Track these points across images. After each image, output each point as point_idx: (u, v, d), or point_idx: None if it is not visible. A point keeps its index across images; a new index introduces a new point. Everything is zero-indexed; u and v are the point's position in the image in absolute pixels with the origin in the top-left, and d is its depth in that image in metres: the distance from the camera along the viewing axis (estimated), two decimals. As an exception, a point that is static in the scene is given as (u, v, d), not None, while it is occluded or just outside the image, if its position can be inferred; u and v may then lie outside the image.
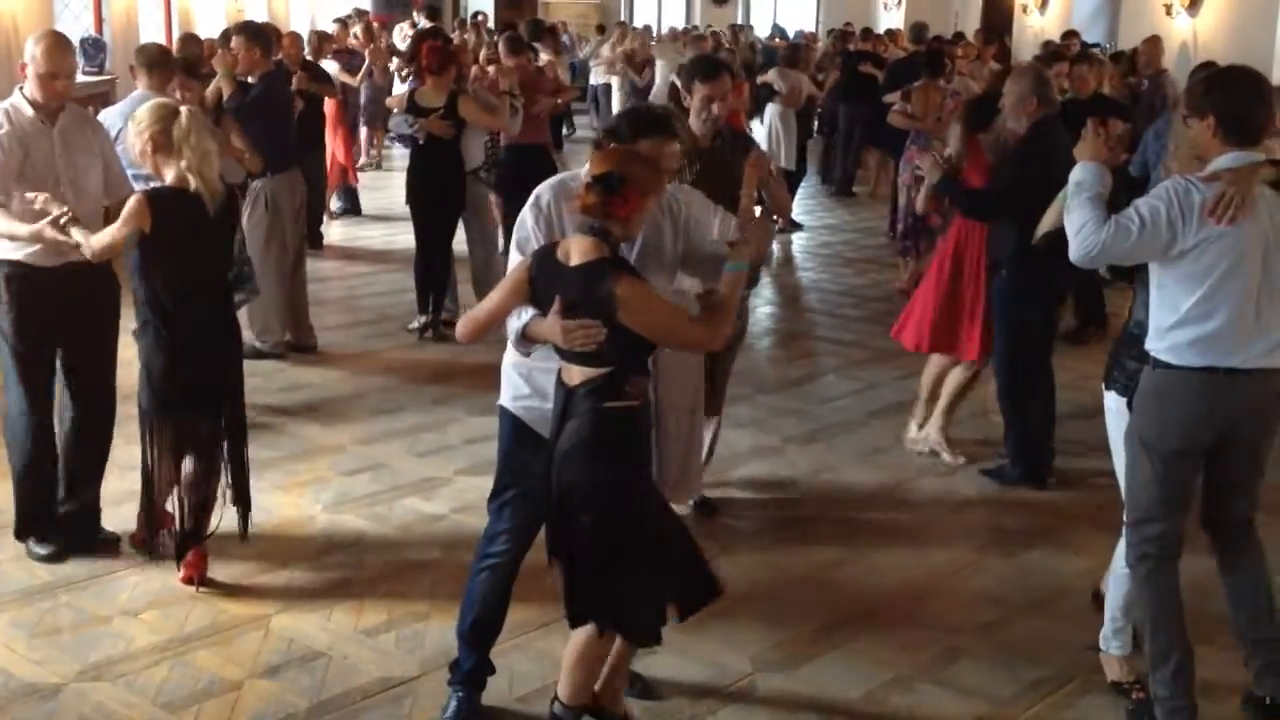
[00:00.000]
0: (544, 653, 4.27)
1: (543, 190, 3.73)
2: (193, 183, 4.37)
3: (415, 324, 8.21)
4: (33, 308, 4.75)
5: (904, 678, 4.18)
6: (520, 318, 3.51)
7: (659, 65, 15.69)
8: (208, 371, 4.57)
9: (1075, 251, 3.73)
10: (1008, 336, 5.75)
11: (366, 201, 12.54)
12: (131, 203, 4.36)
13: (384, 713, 3.92)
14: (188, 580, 4.68)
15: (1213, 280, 3.59)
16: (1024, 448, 5.86)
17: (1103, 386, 4.16)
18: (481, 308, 3.61)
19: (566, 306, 3.33)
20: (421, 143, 7.97)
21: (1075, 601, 4.70)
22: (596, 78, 17.17)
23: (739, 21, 24.21)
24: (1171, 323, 3.66)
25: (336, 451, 6.17)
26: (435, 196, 8.07)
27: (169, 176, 4.42)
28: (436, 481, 5.80)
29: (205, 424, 4.60)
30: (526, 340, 3.53)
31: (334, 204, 12.21)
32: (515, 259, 3.62)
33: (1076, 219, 3.72)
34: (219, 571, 4.82)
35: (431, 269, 8.22)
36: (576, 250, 3.36)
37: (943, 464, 6.12)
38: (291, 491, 5.67)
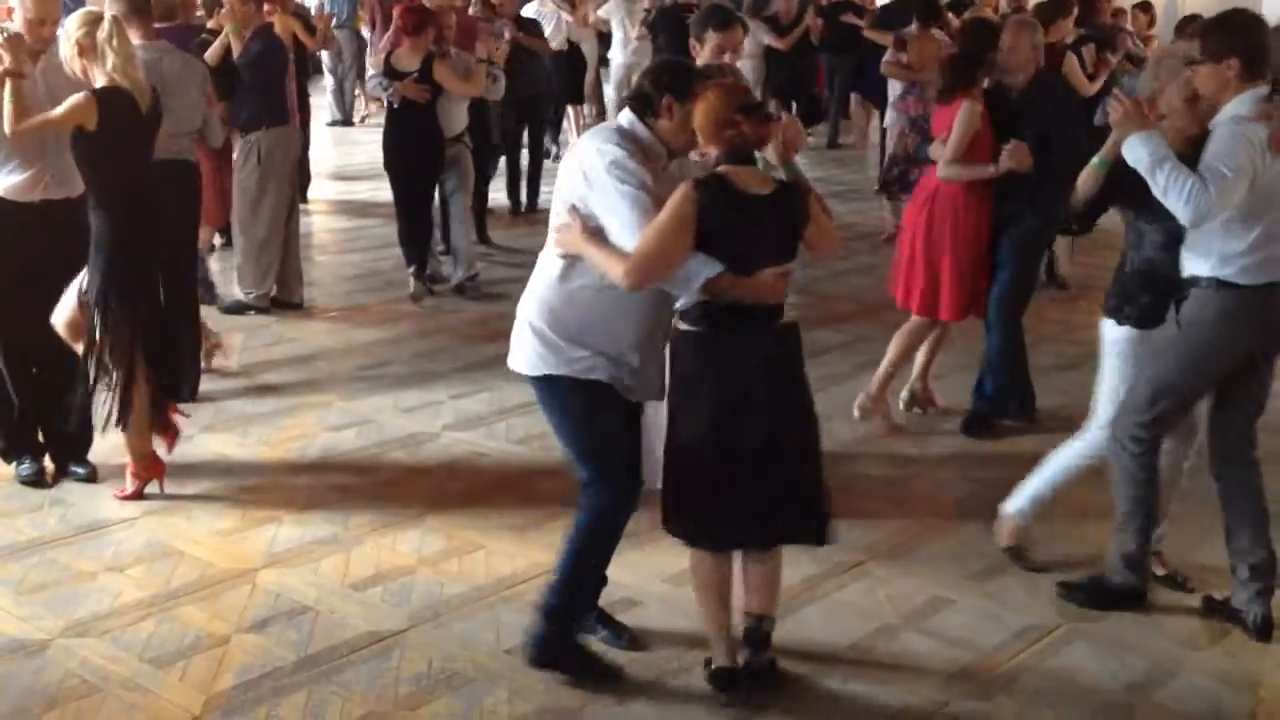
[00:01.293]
0: (529, 606, 4.25)
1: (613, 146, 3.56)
2: (121, 82, 4.71)
3: (412, 290, 8.00)
4: (5, 242, 4.94)
5: (890, 627, 4.19)
6: (707, 267, 3.45)
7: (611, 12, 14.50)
8: (154, 247, 4.96)
9: (1190, 216, 3.87)
10: (1026, 286, 5.91)
11: (352, 156, 12.42)
12: (79, 97, 4.67)
13: (371, 666, 3.92)
14: (170, 444, 5.10)
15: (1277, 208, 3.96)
16: (1014, 388, 5.97)
17: (1107, 321, 4.31)
18: (648, 249, 3.42)
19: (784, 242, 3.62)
20: (396, 107, 7.76)
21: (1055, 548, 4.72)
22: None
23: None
24: (1241, 249, 3.96)
25: (323, 408, 6.15)
26: (411, 163, 7.84)
27: (98, 79, 4.73)
28: (422, 437, 5.79)
29: (151, 300, 4.97)
30: (707, 292, 3.50)
31: None
32: (639, 198, 3.47)
33: (1177, 188, 3.86)
34: (204, 526, 4.82)
35: (415, 234, 8.03)
36: (755, 180, 3.55)
37: (927, 419, 6.12)
38: (277, 447, 5.65)
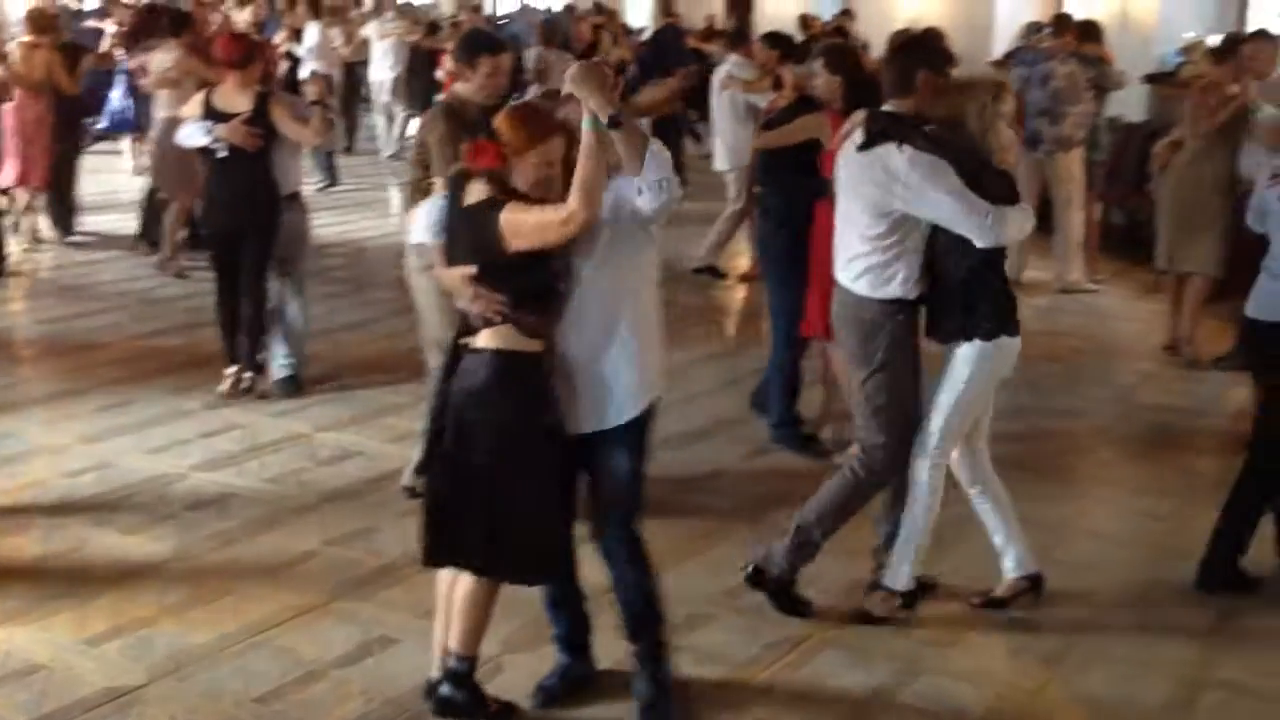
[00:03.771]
0: (285, 650, 4.13)
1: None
2: None
3: (224, 384, 6.57)
4: None
5: (651, 647, 4.21)
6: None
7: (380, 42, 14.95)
8: None
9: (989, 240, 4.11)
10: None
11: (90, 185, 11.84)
12: None
13: (109, 724, 3.72)
14: None
15: None
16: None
17: (956, 342, 4.24)
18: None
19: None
20: (223, 155, 6.37)
21: (818, 560, 4.83)
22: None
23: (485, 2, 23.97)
24: None
25: (59, 451, 5.82)
26: (241, 223, 6.47)
27: None
28: (169, 478, 5.54)
29: None
30: None
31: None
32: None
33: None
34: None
35: (238, 310, 6.58)
36: (472, 194, 3.51)
37: (690, 433, 6.21)
38: (10, 495, 5.32)
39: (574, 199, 3.36)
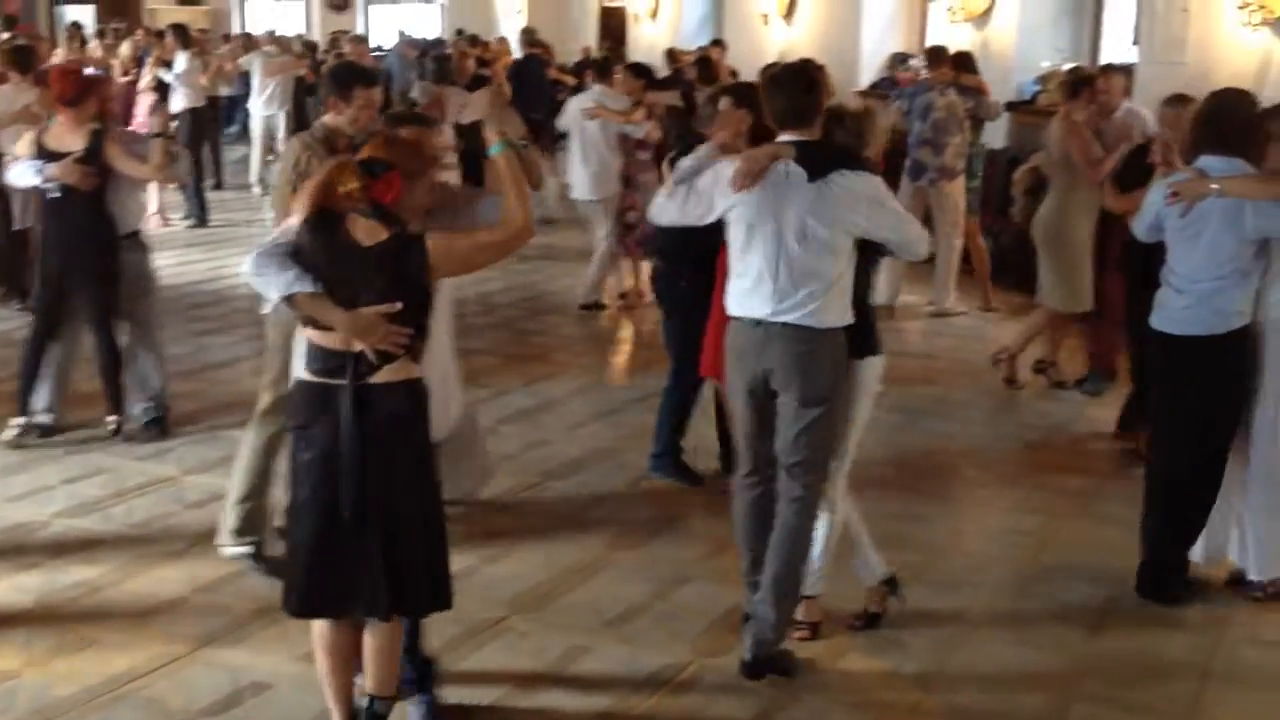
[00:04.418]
0: (153, 700, 4.02)
1: None
2: None
3: (13, 430, 6.28)
4: None
5: (528, 680, 4.19)
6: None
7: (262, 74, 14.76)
8: None
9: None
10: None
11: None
12: None
13: (-34, 786, 3.57)
14: None
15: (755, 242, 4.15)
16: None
17: (864, 357, 4.30)
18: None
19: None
20: (55, 196, 6.12)
21: (695, 588, 4.86)
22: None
23: (359, 30, 23.77)
24: (734, 279, 4.26)
25: (-88, 502, 5.60)
26: (73, 265, 6.19)
27: None
28: (32, 526, 5.36)
29: None
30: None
31: None
32: None
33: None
34: None
35: (44, 357, 6.33)
36: (365, 231, 3.43)
37: (569, 464, 6.21)
38: None
39: (521, 213, 3.52)
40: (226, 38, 19.19)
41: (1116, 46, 12.20)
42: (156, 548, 5.16)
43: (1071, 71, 8.13)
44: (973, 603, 4.82)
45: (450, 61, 12.33)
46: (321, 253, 3.45)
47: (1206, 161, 4.60)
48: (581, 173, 9.37)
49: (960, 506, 6.03)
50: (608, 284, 9.59)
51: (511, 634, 4.51)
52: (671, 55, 14.23)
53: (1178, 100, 6.24)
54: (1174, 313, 4.75)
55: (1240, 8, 8.78)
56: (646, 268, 9.31)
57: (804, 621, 4.43)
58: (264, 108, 14.51)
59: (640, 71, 9.57)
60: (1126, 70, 9.88)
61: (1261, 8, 8.66)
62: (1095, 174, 6.98)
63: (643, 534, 5.40)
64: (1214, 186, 4.49)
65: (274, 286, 3.48)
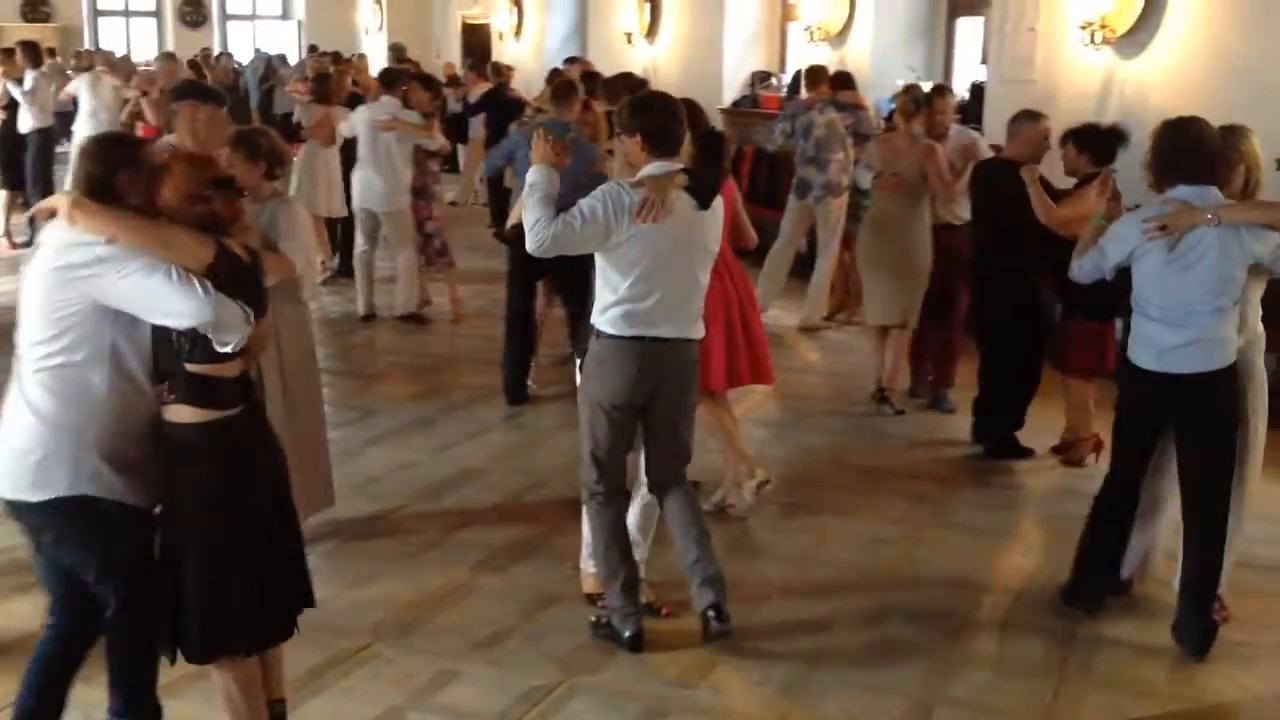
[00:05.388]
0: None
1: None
2: None
3: None
4: None
5: (396, 709, 4.13)
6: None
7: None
8: None
9: (530, 244, 4.29)
10: None
11: None
12: None
13: None
14: None
15: (640, 268, 4.33)
16: None
17: None
18: None
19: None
20: None
21: (561, 608, 4.84)
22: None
23: (215, 47, 23.29)
24: (610, 300, 4.39)
25: None
26: None
27: None
28: None
29: None
30: None
31: None
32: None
33: (530, 218, 4.29)
34: None
35: None
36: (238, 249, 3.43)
37: (434, 486, 6.14)
38: None
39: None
40: (78, 55, 18.58)
41: (967, 66, 12.59)
42: (5, 581, 4.97)
43: (907, 91, 8.29)
44: (838, 612, 4.89)
45: (330, 81, 12.20)
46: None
47: (1182, 192, 4.52)
48: (376, 182, 9.27)
49: (826, 518, 6.10)
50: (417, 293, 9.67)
51: (378, 660, 4.44)
52: (497, 69, 14.65)
53: (1028, 116, 6.47)
54: (1173, 351, 4.54)
55: (1083, 28, 9.10)
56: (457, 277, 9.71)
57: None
58: (89, 129, 13.96)
59: (428, 84, 9.98)
60: (978, 88, 10.20)
61: (1103, 27, 8.99)
62: (950, 192, 7.16)
63: (509, 556, 5.37)
64: (1209, 216, 4.44)
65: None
